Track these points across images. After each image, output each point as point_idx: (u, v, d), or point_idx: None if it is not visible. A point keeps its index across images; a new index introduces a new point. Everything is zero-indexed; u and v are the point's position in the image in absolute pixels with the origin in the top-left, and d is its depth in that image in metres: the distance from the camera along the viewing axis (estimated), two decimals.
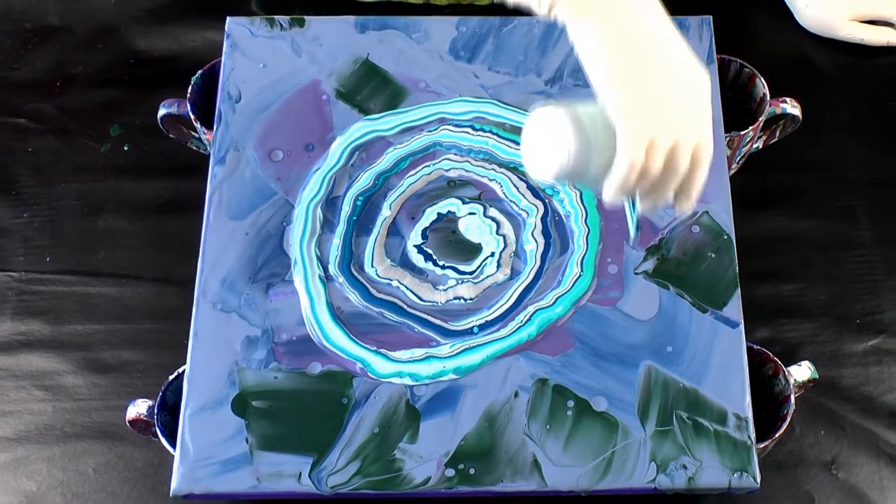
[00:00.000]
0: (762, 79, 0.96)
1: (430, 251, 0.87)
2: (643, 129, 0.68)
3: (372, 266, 0.86)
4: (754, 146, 1.00)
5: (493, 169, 0.90)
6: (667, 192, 0.72)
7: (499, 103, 0.93)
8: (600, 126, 0.70)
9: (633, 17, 0.70)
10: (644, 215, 0.87)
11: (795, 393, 0.84)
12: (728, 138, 0.92)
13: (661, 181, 0.71)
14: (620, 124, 0.69)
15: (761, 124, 0.96)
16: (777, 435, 0.82)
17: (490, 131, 0.92)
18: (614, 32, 0.70)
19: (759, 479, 0.79)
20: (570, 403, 0.81)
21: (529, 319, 0.84)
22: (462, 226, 0.88)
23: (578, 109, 0.71)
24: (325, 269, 0.86)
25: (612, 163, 0.70)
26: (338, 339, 0.83)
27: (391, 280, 0.86)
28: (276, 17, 0.97)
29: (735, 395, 0.81)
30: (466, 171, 0.90)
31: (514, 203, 0.89)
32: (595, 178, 0.71)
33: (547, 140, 0.72)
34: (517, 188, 0.90)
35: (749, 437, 0.80)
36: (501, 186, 0.90)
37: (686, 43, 0.72)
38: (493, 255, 0.87)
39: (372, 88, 0.93)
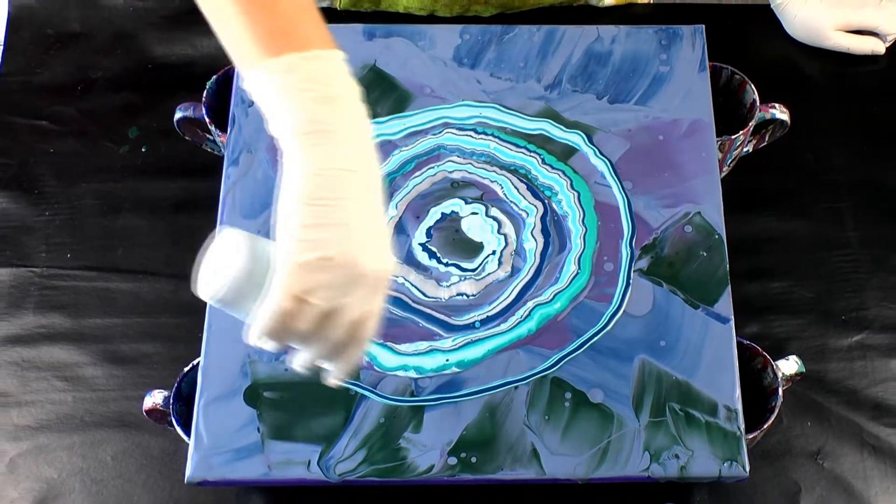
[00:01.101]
0: (752, 85, 0.96)
1: (434, 249, 0.87)
2: (302, 277, 0.62)
3: None
4: (744, 150, 1.00)
5: (494, 171, 0.90)
6: (316, 357, 0.67)
7: (500, 108, 0.93)
8: (269, 265, 0.64)
9: (346, 161, 0.64)
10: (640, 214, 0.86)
11: (783, 386, 0.84)
12: (719, 142, 0.92)
13: (311, 343, 0.66)
14: (279, 267, 0.63)
15: (751, 129, 0.95)
16: (765, 426, 0.82)
17: (492, 135, 0.92)
18: (321, 184, 0.63)
19: (748, 469, 0.79)
20: (568, 395, 0.81)
21: (529, 315, 0.84)
22: (465, 225, 0.89)
23: (259, 243, 0.65)
24: None
25: None
26: None
27: (397, 277, 0.86)
28: None
29: (725, 388, 0.81)
30: (469, 172, 0.90)
31: (515, 203, 0.89)
32: (252, 316, 0.65)
33: (216, 261, 0.66)
34: (517, 189, 0.90)
35: (739, 428, 0.80)
36: (502, 188, 0.90)
37: (386, 228, 0.66)
38: (494, 253, 0.87)
39: (379, 93, 0.94)
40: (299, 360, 0.68)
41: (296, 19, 0.66)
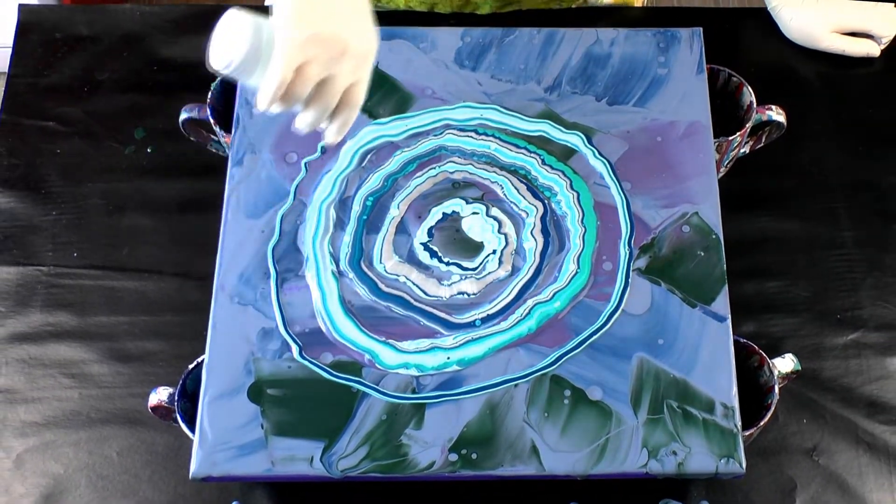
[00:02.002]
0: (749, 87, 0.95)
1: (435, 248, 0.87)
2: (297, 52, 0.70)
3: (381, 262, 0.86)
4: (741, 151, 1.00)
5: (495, 171, 0.90)
6: (316, 118, 0.75)
7: (501, 109, 0.93)
8: (271, 42, 0.71)
9: None
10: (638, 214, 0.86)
11: (779, 384, 0.84)
12: (717, 143, 0.92)
13: (312, 106, 0.74)
14: (279, 40, 0.70)
15: (748, 130, 0.95)
16: (762, 423, 0.82)
17: (492, 135, 0.92)
18: None
19: (744, 465, 0.79)
20: (567, 393, 0.81)
21: (529, 313, 0.84)
22: (465, 225, 0.88)
23: (262, 21, 0.72)
24: (337, 265, 0.86)
25: None
26: (348, 331, 0.83)
27: (399, 276, 0.86)
28: None
29: (722, 386, 0.81)
30: (470, 173, 0.90)
31: (515, 204, 0.89)
32: (258, 84, 0.73)
33: (229, 37, 0.72)
34: (517, 190, 0.89)
35: (735, 425, 0.80)
36: (503, 188, 0.90)
37: (368, 9, 0.74)
38: (494, 252, 0.87)
39: (381, 95, 0.93)
40: (303, 120, 0.76)
41: None
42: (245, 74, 0.73)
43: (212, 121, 0.94)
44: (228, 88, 0.95)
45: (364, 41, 0.74)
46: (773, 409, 0.82)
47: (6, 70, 1.09)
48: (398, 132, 0.92)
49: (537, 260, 0.86)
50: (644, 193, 0.89)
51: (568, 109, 0.92)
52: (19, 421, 0.91)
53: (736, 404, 0.80)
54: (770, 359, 0.84)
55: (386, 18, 1.08)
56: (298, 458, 0.79)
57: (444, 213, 0.89)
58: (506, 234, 0.87)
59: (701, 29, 0.97)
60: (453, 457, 0.79)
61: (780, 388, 0.83)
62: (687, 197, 0.88)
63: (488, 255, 0.87)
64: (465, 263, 0.87)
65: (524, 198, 0.89)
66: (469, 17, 1.09)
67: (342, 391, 0.81)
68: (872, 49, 1.08)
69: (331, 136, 0.78)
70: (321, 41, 0.71)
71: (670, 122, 0.92)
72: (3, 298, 0.96)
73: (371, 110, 0.92)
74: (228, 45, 0.72)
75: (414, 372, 0.82)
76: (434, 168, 0.90)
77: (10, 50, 1.10)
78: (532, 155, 0.91)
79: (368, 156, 0.91)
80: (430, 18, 1.09)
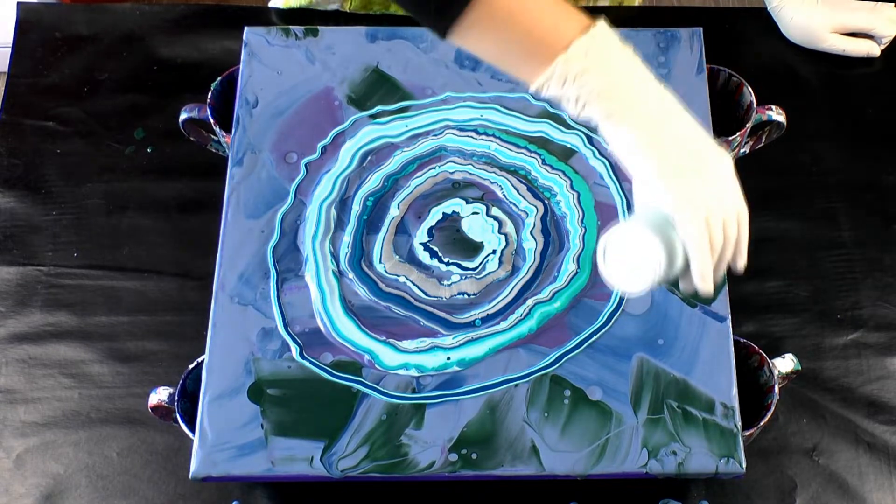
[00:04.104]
0: (749, 87, 0.95)
1: (435, 248, 0.87)
2: (699, 211, 0.70)
3: (381, 262, 0.86)
4: (742, 151, 1.00)
5: (494, 171, 0.90)
6: (728, 260, 0.74)
7: (501, 109, 0.93)
8: (669, 227, 0.71)
9: (660, 117, 0.71)
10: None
11: (779, 384, 0.84)
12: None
13: (724, 251, 0.73)
14: (680, 214, 0.70)
15: (748, 130, 0.95)
16: (762, 423, 0.82)
17: (493, 135, 0.92)
18: (648, 134, 0.70)
19: (744, 465, 0.79)
20: (567, 393, 0.81)
21: (529, 313, 0.84)
22: (465, 225, 0.88)
23: (649, 218, 0.71)
24: (337, 265, 0.86)
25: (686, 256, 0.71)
26: (348, 331, 0.83)
27: (399, 276, 0.86)
28: (291, 27, 0.97)
29: (722, 386, 0.81)
30: (470, 173, 0.90)
31: (515, 204, 0.89)
32: (680, 274, 0.72)
33: (635, 258, 0.72)
34: (517, 190, 0.89)
35: (735, 425, 0.80)
36: (502, 188, 0.90)
37: (701, 126, 0.73)
38: (494, 252, 0.87)
39: (381, 95, 0.93)
40: (717, 276, 0.73)
41: (552, 16, 0.70)
42: (669, 275, 0.72)
43: (212, 121, 0.94)
44: (228, 88, 0.95)
45: (720, 168, 0.73)
46: (773, 409, 0.82)
47: (6, 70, 1.09)
48: (398, 132, 0.92)
49: (537, 260, 0.86)
50: None
51: None
52: (19, 421, 0.91)
53: (736, 404, 0.81)
54: (770, 359, 0.84)
55: (389, 20, 1.09)
56: (298, 458, 0.79)
57: (444, 213, 0.89)
58: (506, 234, 0.88)
59: (701, 29, 0.97)
60: (453, 457, 0.79)
61: (780, 388, 0.83)
62: None
63: (488, 255, 0.87)
64: (465, 263, 0.87)
65: (524, 198, 0.89)
66: None
67: (342, 391, 0.81)
68: (873, 49, 1.08)
69: (742, 259, 0.75)
70: (704, 194, 0.71)
71: None
72: (3, 298, 0.96)
73: (371, 110, 0.93)
74: (640, 262, 0.71)
75: (414, 373, 0.82)
76: (434, 168, 0.91)
77: (9, 49, 1.10)
78: (532, 155, 0.91)
79: (368, 156, 0.91)
80: None
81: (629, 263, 0.72)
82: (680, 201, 0.70)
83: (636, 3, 1.15)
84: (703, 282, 0.71)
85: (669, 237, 0.70)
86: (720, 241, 0.71)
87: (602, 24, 0.70)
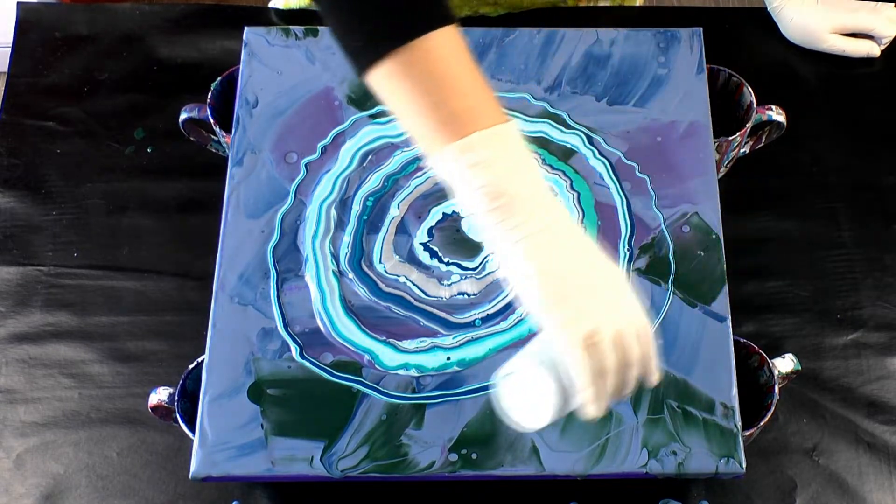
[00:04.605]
0: (749, 87, 0.96)
1: (435, 248, 0.87)
2: (579, 335, 0.65)
3: (381, 262, 0.86)
4: (741, 151, 1.00)
5: None
6: (630, 382, 0.69)
7: None
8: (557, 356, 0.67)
9: (545, 233, 0.66)
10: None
11: (779, 384, 0.84)
12: (717, 143, 0.92)
13: (626, 373, 0.68)
14: (560, 340, 0.66)
15: (748, 130, 0.95)
16: (762, 423, 0.82)
17: None
18: (529, 252, 0.66)
19: (744, 465, 0.79)
20: None
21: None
22: (465, 225, 0.88)
23: (542, 347, 0.68)
24: (337, 265, 0.86)
25: None
26: (348, 331, 0.83)
27: (399, 276, 0.86)
28: (291, 27, 0.97)
29: (722, 386, 0.81)
30: None
31: None
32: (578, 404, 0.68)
33: (530, 393, 0.68)
34: None
35: (735, 425, 0.80)
36: None
37: (593, 243, 0.69)
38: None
39: None
40: (614, 399, 0.69)
41: (472, 99, 0.67)
42: (566, 406, 0.68)
43: (212, 121, 0.94)
44: (228, 88, 0.95)
45: (616, 284, 0.69)
46: (773, 409, 0.82)
47: (6, 70, 1.09)
48: (398, 132, 0.92)
49: None
50: (644, 193, 0.89)
51: (568, 109, 0.93)
52: (19, 421, 0.91)
53: (736, 404, 0.81)
54: (770, 359, 0.84)
55: None
56: (298, 458, 0.79)
57: (444, 213, 0.89)
58: None
59: (701, 29, 0.97)
60: (453, 457, 0.79)
61: (780, 388, 0.83)
62: (687, 197, 0.89)
63: (488, 255, 0.87)
64: (465, 263, 0.87)
65: None
66: (475, 20, 1.09)
67: (342, 391, 0.81)
68: (873, 49, 1.08)
69: (653, 377, 0.71)
70: (589, 311, 0.66)
71: (670, 122, 0.92)
72: (3, 298, 0.96)
73: (371, 111, 0.93)
74: (531, 401, 0.68)
75: (414, 373, 0.82)
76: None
77: (9, 49, 1.10)
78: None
79: (369, 156, 0.91)
80: None
81: (524, 399, 0.69)
82: (558, 327, 0.66)
83: (637, 3, 1.15)
84: (593, 408, 0.67)
85: (563, 367, 0.66)
86: (612, 362, 0.66)
87: (513, 124, 0.67)
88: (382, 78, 0.67)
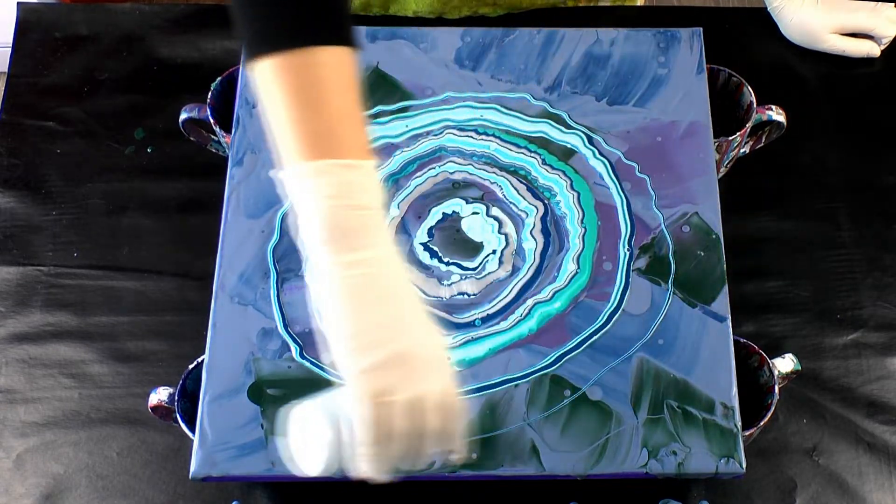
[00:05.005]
0: (749, 87, 0.96)
1: (435, 248, 0.87)
2: (369, 391, 0.63)
3: None
4: (741, 151, 1.00)
5: (494, 172, 0.90)
6: (425, 453, 0.66)
7: (501, 109, 0.93)
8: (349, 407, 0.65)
9: (366, 278, 0.65)
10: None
11: (779, 384, 0.84)
12: (717, 143, 0.92)
13: (419, 444, 0.65)
14: (352, 389, 0.64)
15: (748, 130, 0.95)
16: (762, 423, 0.82)
17: (493, 135, 0.92)
18: (343, 295, 0.65)
19: (744, 465, 0.79)
20: (567, 393, 0.81)
21: (529, 313, 0.84)
22: (465, 225, 0.88)
23: (329, 397, 0.66)
24: None
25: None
26: None
27: None
28: None
29: (722, 386, 0.81)
30: (470, 173, 0.90)
31: (514, 204, 0.89)
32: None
33: (313, 436, 0.66)
34: (517, 190, 0.89)
35: (735, 425, 0.80)
36: (502, 188, 0.90)
37: (423, 305, 0.67)
38: (494, 252, 0.87)
39: (381, 95, 0.93)
40: (406, 465, 0.67)
41: (338, 125, 0.67)
42: (346, 455, 0.66)
43: (212, 121, 0.94)
44: (228, 88, 0.95)
45: (429, 345, 0.67)
46: (773, 409, 0.82)
47: (6, 70, 1.09)
48: (398, 132, 0.92)
49: (537, 260, 0.86)
50: (644, 193, 0.89)
51: (568, 109, 0.93)
52: (19, 421, 0.91)
53: (736, 404, 0.81)
54: (770, 359, 0.84)
55: (392, 22, 1.09)
56: None
57: (444, 214, 0.89)
58: (506, 234, 0.88)
59: (701, 29, 0.97)
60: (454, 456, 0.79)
61: (780, 388, 0.83)
62: (687, 197, 0.89)
63: (488, 255, 0.87)
64: (465, 263, 0.87)
65: (524, 198, 0.89)
66: (477, 22, 1.09)
67: None
68: (873, 49, 1.08)
69: (458, 455, 0.69)
70: (389, 365, 0.64)
71: (670, 122, 0.92)
72: (3, 298, 0.96)
73: (371, 110, 0.92)
74: (311, 444, 0.66)
75: None
76: (434, 168, 0.91)
77: (9, 49, 1.10)
78: (532, 155, 0.91)
79: None
80: (437, 25, 1.09)
81: (304, 441, 0.67)
82: (353, 376, 0.64)
83: (638, 3, 1.15)
84: (371, 468, 0.64)
85: (348, 419, 0.64)
86: (402, 427, 0.63)
87: (371, 164, 0.67)
88: (264, 72, 0.67)
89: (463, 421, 0.67)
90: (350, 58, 0.68)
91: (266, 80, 0.67)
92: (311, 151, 0.66)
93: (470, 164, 0.91)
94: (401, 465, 0.66)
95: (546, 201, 0.89)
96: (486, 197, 0.89)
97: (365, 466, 0.65)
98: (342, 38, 0.67)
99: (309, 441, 0.66)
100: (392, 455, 0.65)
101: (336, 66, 0.67)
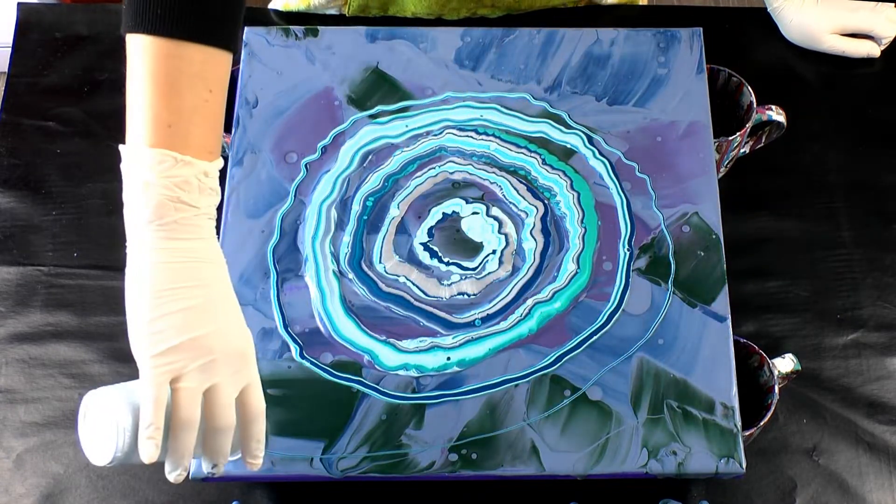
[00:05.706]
0: (749, 87, 0.96)
1: (435, 248, 0.87)
2: (166, 363, 0.63)
3: (381, 262, 0.86)
4: (742, 151, 1.00)
5: (494, 171, 0.90)
6: (217, 450, 0.66)
7: (501, 109, 0.93)
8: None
9: (205, 283, 0.66)
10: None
11: (779, 384, 0.84)
12: (717, 143, 0.92)
13: (211, 438, 0.66)
14: (143, 363, 0.63)
15: (748, 130, 0.95)
16: (762, 423, 0.82)
17: (493, 135, 0.92)
18: (178, 281, 0.65)
19: (744, 465, 0.79)
20: (567, 393, 0.81)
21: (529, 313, 0.84)
22: (465, 225, 0.88)
23: (124, 391, 0.65)
24: (337, 265, 0.86)
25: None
26: (348, 331, 0.83)
27: (399, 276, 0.86)
28: (291, 27, 0.97)
29: (722, 386, 0.81)
30: (470, 173, 0.90)
31: (514, 204, 0.89)
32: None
33: (101, 429, 0.65)
34: (517, 190, 0.89)
35: (735, 425, 0.80)
36: (502, 188, 0.90)
37: (237, 306, 0.68)
38: (494, 252, 0.87)
39: (381, 95, 0.93)
40: (206, 460, 0.67)
41: (187, 121, 0.67)
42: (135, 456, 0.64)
43: None
44: (228, 88, 0.95)
45: (233, 339, 0.67)
46: (773, 409, 0.82)
47: (6, 70, 1.09)
48: (398, 132, 0.92)
49: (537, 260, 0.86)
50: (644, 193, 0.89)
51: (568, 109, 0.93)
52: (19, 421, 0.91)
53: (736, 404, 0.81)
54: (770, 359, 0.84)
55: (391, 23, 1.08)
56: (298, 458, 0.79)
57: (444, 213, 0.89)
58: (506, 234, 0.88)
59: (701, 29, 0.97)
60: (453, 457, 0.79)
61: (780, 388, 0.84)
62: (687, 197, 0.89)
63: (488, 255, 0.87)
64: (465, 263, 0.87)
65: (524, 198, 0.89)
66: (476, 23, 1.09)
67: (342, 391, 0.81)
68: (873, 50, 1.08)
69: (251, 460, 0.69)
70: (182, 350, 0.64)
71: (670, 122, 0.92)
72: (3, 298, 0.96)
73: (370, 110, 0.93)
74: (102, 434, 0.64)
75: (414, 373, 0.82)
76: (434, 168, 0.91)
77: (9, 49, 1.10)
78: (532, 155, 0.91)
79: (369, 156, 0.91)
80: (435, 25, 1.09)
81: (99, 431, 0.65)
82: (147, 357, 0.63)
83: (640, 3, 1.14)
84: (151, 453, 0.63)
85: (138, 405, 0.63)
86: (190, 417, 0.63)
87: (211, 165, 0.68)
88: (136, 47, 0.67)
89: (260, 422, 0.67)
90: (222, 60, 0.70)
91: (135, 54, 0.67)
92: (154, 138, 0.66)
93: (470, 164, 0.91)
94: (198, 457, 0.66)
95: (546, 201, 0.89)
96: (486, 197, 0.89)
97: (149, 452, 0.63)
98: (219, 40, 0.69)
99: (103, 430, 0.65)
100: (180, 446, 0.64)
101: (203, 65, 0.68)
